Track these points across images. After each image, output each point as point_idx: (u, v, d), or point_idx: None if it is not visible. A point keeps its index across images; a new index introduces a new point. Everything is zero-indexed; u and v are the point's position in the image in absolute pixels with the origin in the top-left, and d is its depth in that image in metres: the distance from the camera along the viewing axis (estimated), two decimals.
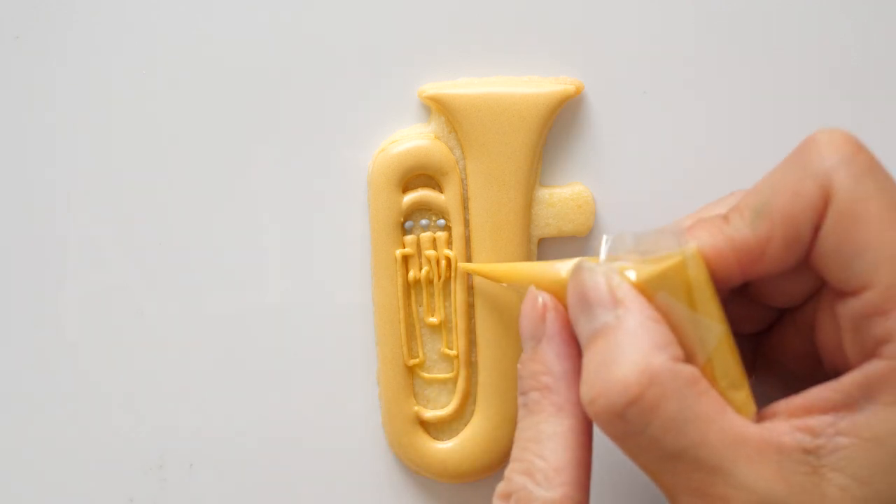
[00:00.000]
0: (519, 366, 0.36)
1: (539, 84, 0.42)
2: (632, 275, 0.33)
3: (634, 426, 0.31)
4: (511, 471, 0.35)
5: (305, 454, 0.44)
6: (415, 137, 0.43)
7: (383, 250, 0.43)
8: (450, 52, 0.43)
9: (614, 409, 0.31)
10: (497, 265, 0.39)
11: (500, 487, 0.35)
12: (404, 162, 0.42)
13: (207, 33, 0.43)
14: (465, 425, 0.43)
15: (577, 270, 0.34)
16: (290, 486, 0.44)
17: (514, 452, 0.35)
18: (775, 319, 0.37)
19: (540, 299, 0.36)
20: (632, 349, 0.32)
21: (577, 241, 0.43)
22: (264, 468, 0.44)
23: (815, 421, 0.31)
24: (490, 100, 0.42)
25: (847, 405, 0.31)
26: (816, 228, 0.32)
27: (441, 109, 0.42)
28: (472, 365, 0.43)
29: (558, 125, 0.43)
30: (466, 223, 0.43)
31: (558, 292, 0.36)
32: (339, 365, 0.44)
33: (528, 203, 0.42)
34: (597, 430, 0.34)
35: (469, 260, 0.43)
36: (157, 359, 0.44)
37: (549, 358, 0.35)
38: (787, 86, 0.43)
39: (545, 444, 0.35)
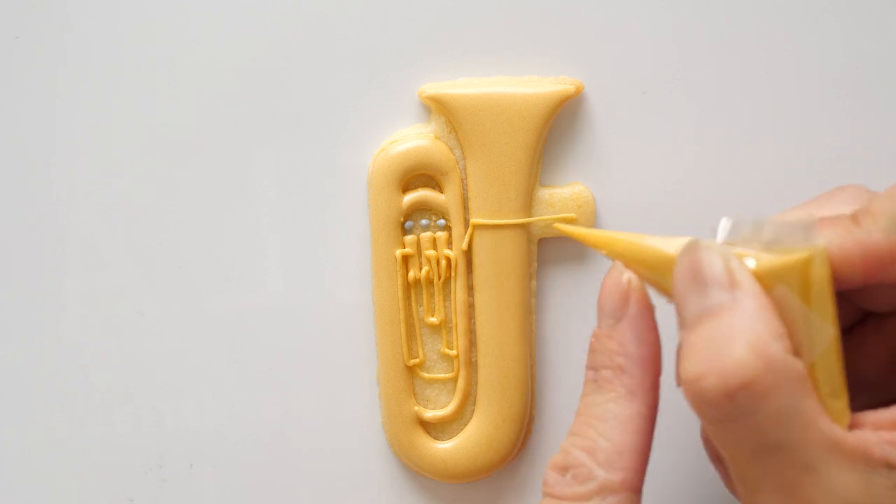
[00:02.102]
0: (593, 340, 0.35)
1: (539, 84, 0.42)
2: (751, 262, 0.32)
3: (741, 411, 0.31)
4: (571, 444, 0.34)
5: (305, 454, 0.44)
6: (415, 137, 0.43)
7: (383, 250, 0.43)
8: (450, 52, 0.43)
9: (725, 389, 0.30)
10: (597, 231, 0.37)
11: (556, 459, 0.34)
12: (404, 162, 0.42)
13: (208, 33, 0.43)
14: (465, 425, 0.43)
15: (692, 247, 0.33)
16: (290, 486, 0.44)
17: (576, 427, 0.35)
18: (859, 320, 0.36)
19: (626, 276, 0.35)
20: (749, 332, 0.31)
21: (577, 241, 0.43)
22: (264, 468, 0.44)
23: None
24: (490, 100, 0.42)
25: None
26: None
27: (441, 109, 0.42)
28: (472, 365, 0.43)
29: (558, 125, 0.43)
30: (466, 223, 0.43)
31: (659, 268, 0.34)
32: (339, 365, 0.44)
33: (528, 203, 0.42)
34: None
35: (469, 259, 0.43)
36: (157, 359, 0.44)
37: (627, 338, 0.35)
38: (787, 86, 0.43)
39: (612, 425, 0.34)
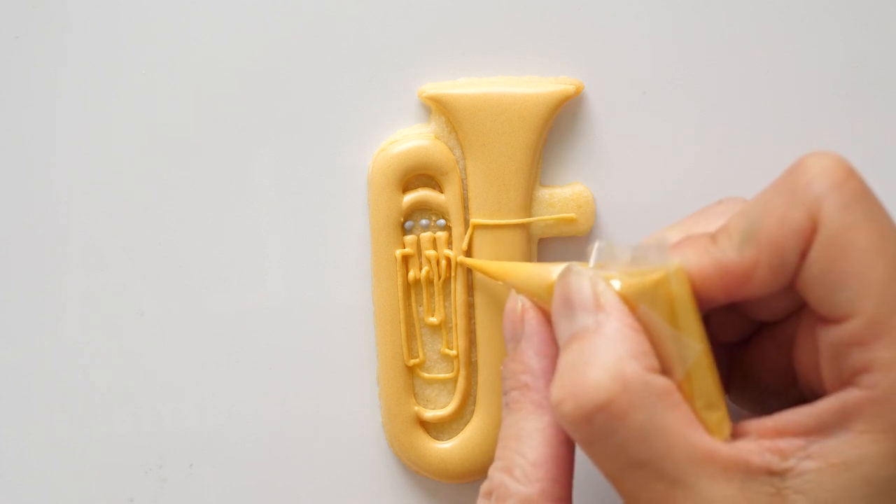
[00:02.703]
0: (501, 367, 0.37)
1: (539, 84, 0.42)
2: (616, 284, 0.33)
3: (601, 432, 0.31)
4: (493, 469, 0.35)
5: (305, 454, 0.44)
6: (415, 137, 0.43)
7: (383, 250, 0.43)
8: (450, 52, 0.43)
9: (582, 413, 0.31)
10: (493, 263, 0.40)
11: (484, 486, 0.35)
12: (404, 162, 0.42)
13: (208, 33, 0.43)
14: (465, 425, 0.43)
15: (564, 272, 0.34)
16: (290, 486, 0.44)
17: (497, 451, 0.35)
18: (754, 331, 0.36)
19: (519, 302, 0.36)
20: (607, 354, 0.31)
21: (577, 241, 0.43)
22: (264, 468, 0.44)
23: (786, 443, 0.31)
24: (490, 100, 0.42)
25: (820, 430, 0.31)
26: (803, 255, 0.32)
27: (441, 109, 0.42)
28: (472, 365, 0.43)
29: (558, 125, 0.43)
30: (466, 223, 0.43)
31: (547, 294, 0.36)
32: (339, 365, 0.44)
33: (528, 203, 0.42)
34: None
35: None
36: (157, 359, 0.44)
37: (528, 356, 0.36)
38: (787, 86, 0.43)
39: (524, 441, 0.35)
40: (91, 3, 0.43)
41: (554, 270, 0.36)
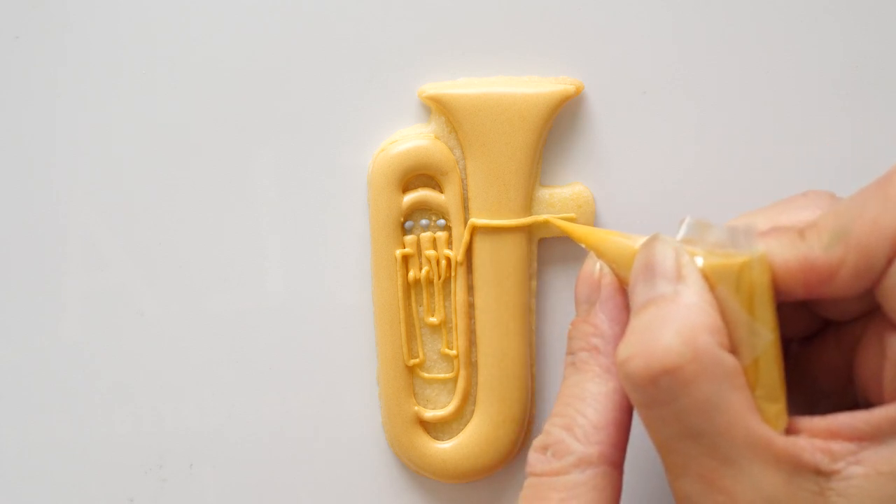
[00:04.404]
0: (570, 327, 0.37)
1: (539, 84, 0.42)
2: (699, 261, 0.33)
3: (664, 396, 0.31)
4: (551, 424, 0.35)
5: (305, 454, 0.44)
6: (415, 137, 0.43)
7: (383, 250, 0.43)
8: (450, 52, 0.43)
9: (649, 373, 0.31)
10: (579, 226, 0.39)
11: (538, 440, 0.35)
12: (404, 162, 0.42)
13: (208, 33, 0.43)
14: (465, 425, 0.43)
15: (651, 239, 0.34)
16: (290, 486, 0.44)
17: (557, 408, 0.36)
18: (818, 329, 0.36)
19: (598, 265, 0.37)
20: (682, 322, 0.32)
21: (577, 242, 0.43)
22: (264, 468, 0.44)
23: (838, 446, 0.32)
24: (490, 100, 0.42)
25: (873, 437, 0.31)
26: (890, 261, 0.32)
27: (441, 109, 0.42)
28: (472, 365, 0.43)
29: (558, 125, 0.43)
30: (466, 223, 0.43)
31: (624, 261, 0.36)
32: (339, 365, 0.44)
33: (528, 203, 0.42)
34: None
35: (469, 259, 0.43)
36: (157, 359, 0.44)
37: (600, 320, 0.36)
38: (787, 86, 0.43)
39: (588, 402, 0.35)
40: (91, 3, 0.43)
41: (638, 241, 0.36)
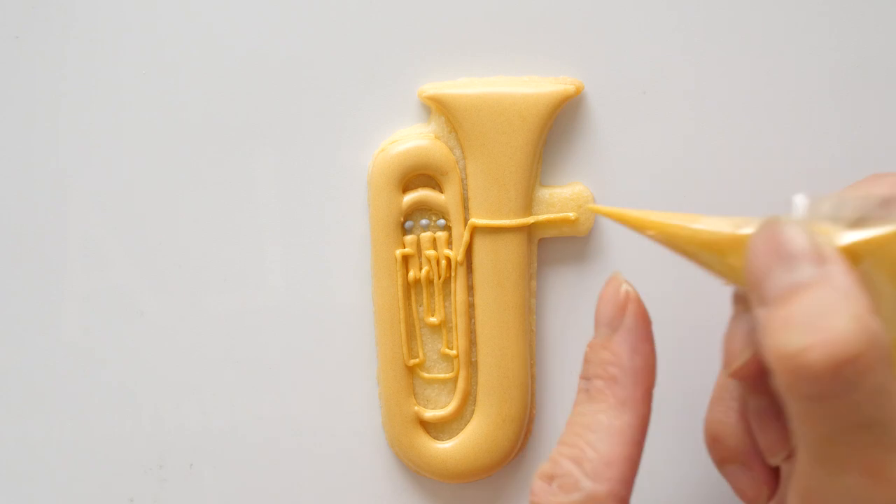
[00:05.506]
0: (588, 349, 0.35)
1: (539, 84, 0.42)
2: (842, 237, 0.31)
3: (843, 385, 0.29)
4: (559, 454, 0.34)
5: (305, 454, 0.44)
6: (415, 137, 0.43)
7: (383, 250, 0.43)
8: (450, 52, 0.43)
9: (832, 363, 0.29)
10: (638, 212, 0.35)
11: (545, 468, 0.34)
12: (404, 162, 0.42)
13: (208, 33, 0.43)
14: (465, 425, 0.43)
15: (772, 223, 0.32)
16: (290, 486, 0.44)
17: (565, 436, 0.34)
18: None
19: (623, 287, 0.35)
20: (850, 305, 0.30)
21: (577, 241, 0.43)
22: (264, 468, 0.44)
23: None
24: (490, 100, 0.42)
25: None
26: None
27: (441, 109, 0.42)
28: (472, 365, 0.43)
29: (558, 125, 0.43)
30: (466, 223, 0.43)
31: (720, 248, 0.33)
32: (339, 365, 0.44)
33: (528, 203, 0.42)
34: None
35: (469, 259, 0.43)
36: (157, 359, 0.44)
37: (622, 350, 0.34)
38: (787, 86, 0.43)
39: (601, 435, 0.34)
40: (91, 4, 0.43)
41: (720, 224, 0.33)
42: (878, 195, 0.32)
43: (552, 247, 0.43)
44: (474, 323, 0.43)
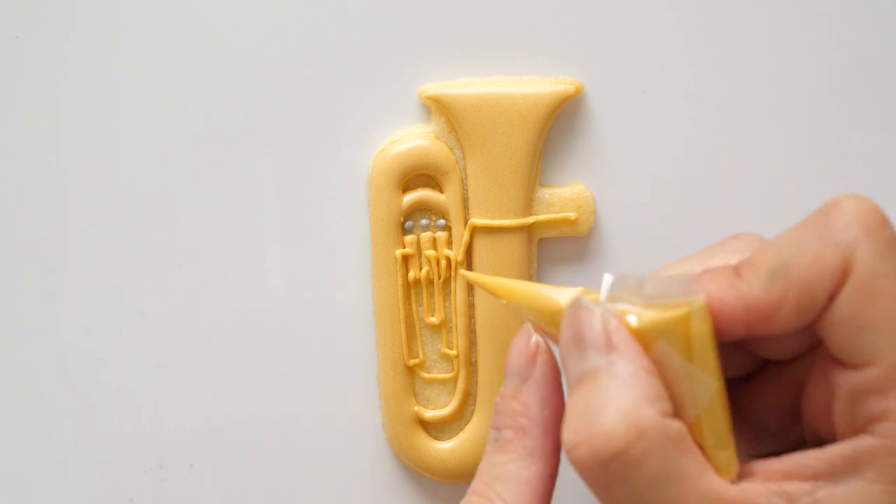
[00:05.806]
0: (497, 399, 0.36)
1: (539, 84, 0.42)
2: (632, 319, 0.32)
3: (615, 478, 0.31)
4: (468, 503, 0.35)
5: (305, 454, 0.44)
6: (415, 137, 0.43)
7: (383, 250, 0.43)
8: (450, 52, 0.43)
9: (598, 460, 0.31)
10: (496, 280, 0.37)
11: None
12: (404, 162, 0.42)
13: (207, 33, 0.43)
14: (465, 425, 0.43)
15: (574, 306, 0.33)
16: (290, 486, 0.44)
17: (475, 486, 0.35)
18: (756, 368, 0.36)
19: (533, 339, 0.35)
20: (622, 399, 0.31)
21: (577, 241, 0.43)
22: (264, 468, 0.44)
23: (793, 487, 0.31)
24: (490, 100, 0.42)
25: (829, 476, 0.31)
26: (832, 297, 0.31)
27: (441, 109, 0.42)
28: (472, 365, 0.43)
29: (558, 125, 0.43)
30: (466, 223, 0.43)
31: (553, 320, 0.34)
32: (339, 365, 0.44)
33: (528, 203, 0.42)
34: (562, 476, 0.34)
35: (469, 259, 0.43)
36: (157, 359, 0.44)
37: (531, 401, 0.35)
38: (787, 86, 0.43)
39: (509, 486, 0.34)
40: (91, 4, 0.43)
41: (562, 295, 0.34)
42: (683, 274, 0.33)
43: (552, 247, 0.43)
44: (474, 323, 0.43)
